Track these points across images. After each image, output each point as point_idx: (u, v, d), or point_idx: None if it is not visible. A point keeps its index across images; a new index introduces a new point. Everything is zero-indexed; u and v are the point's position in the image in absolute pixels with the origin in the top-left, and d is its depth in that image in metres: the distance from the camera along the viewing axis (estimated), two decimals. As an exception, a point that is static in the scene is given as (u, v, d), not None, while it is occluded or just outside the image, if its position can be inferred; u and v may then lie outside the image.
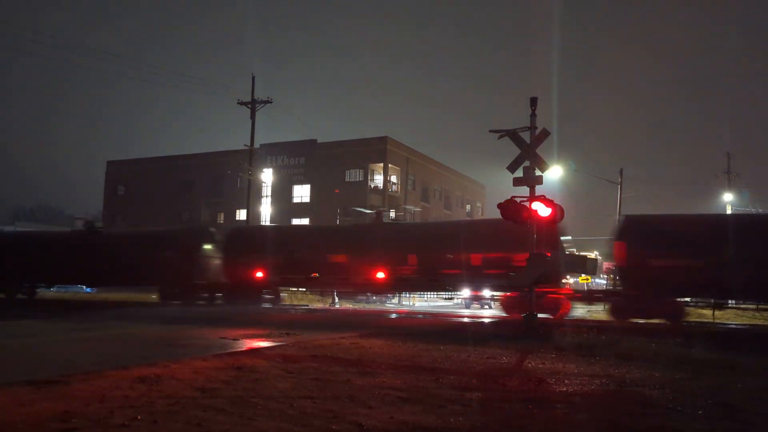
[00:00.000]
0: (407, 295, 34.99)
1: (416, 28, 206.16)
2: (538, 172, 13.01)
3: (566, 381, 6.81)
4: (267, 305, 23.74)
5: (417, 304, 34.79)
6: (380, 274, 21.60)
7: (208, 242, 24.95)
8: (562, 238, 20.07)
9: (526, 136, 13.18)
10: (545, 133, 13.11)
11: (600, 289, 28.70)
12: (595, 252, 29.88)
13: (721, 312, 22.41)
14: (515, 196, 12.83)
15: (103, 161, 74.20)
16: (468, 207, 63.44)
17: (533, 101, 13.10)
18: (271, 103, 34.93)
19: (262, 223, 41.26)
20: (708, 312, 22.89)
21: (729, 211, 39.02)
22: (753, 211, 38.41)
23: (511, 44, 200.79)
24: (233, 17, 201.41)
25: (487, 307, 31.63)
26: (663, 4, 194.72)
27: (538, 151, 13.12)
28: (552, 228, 16.75)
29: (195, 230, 30.29)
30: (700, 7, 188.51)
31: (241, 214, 47.43)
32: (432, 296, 38.08)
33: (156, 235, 27.89)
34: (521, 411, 5.25)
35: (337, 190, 48.26)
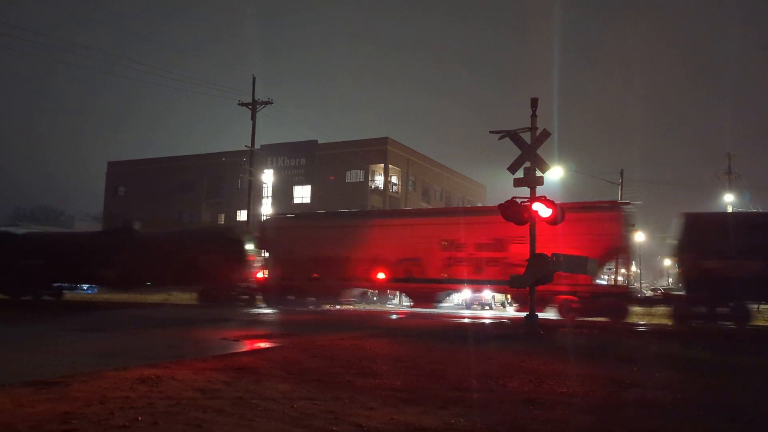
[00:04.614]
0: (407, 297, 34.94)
1: (417, 32, 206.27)
2: (538, 173, 12.99)
3: (567, 382, 6.80)
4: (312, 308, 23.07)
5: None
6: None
7: (249, 242, 24.31)
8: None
9: (526, 137, 13.16)
10: (546, 134, 13.08)
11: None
12: None
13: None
14: (516, 197, 12.82)
15: (103, 162, 74.16)
16: (468, 208, 63.38)
17: (534, 102, 13.07)
18: (272, 104, 35.01)
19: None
20: None
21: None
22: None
23: (512, 45, 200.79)
24: (235, 20, 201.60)
25: (487, 307, 31.67)
26: (664, 5, 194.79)
27: (538, 151, 13.10)
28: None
29: (235, 230, 29.75)
30: (702, 8, 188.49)
31: (242, 215, 47.47)
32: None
33: (194, 234, 27.25)
34: (522, 412, 5.24)
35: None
